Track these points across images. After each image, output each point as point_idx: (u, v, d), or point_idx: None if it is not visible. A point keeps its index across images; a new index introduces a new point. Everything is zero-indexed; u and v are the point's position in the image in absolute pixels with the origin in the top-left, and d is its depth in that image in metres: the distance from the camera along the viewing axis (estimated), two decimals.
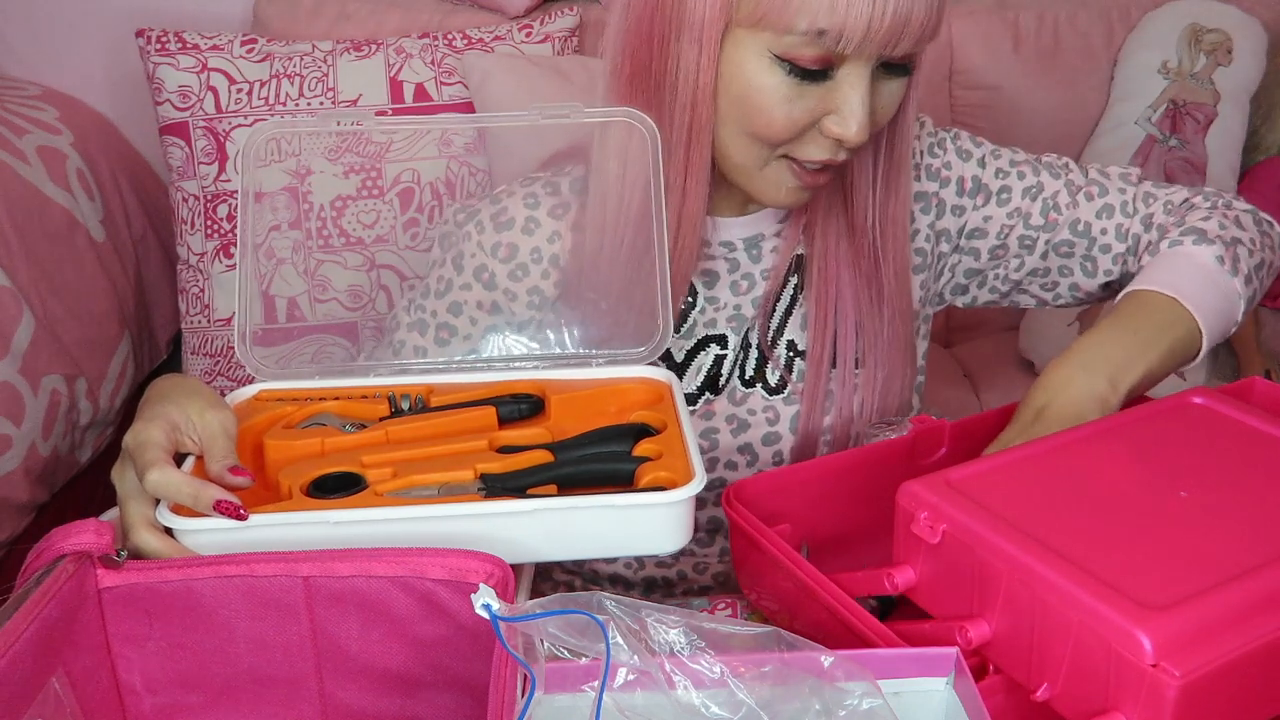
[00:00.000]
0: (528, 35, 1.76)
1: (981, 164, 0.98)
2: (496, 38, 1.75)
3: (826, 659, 0.55)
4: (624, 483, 0.70)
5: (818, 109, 0.81)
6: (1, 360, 1.49)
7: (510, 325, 0.95)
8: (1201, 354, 0.86)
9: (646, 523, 0.65)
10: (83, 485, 1.73)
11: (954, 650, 0.58)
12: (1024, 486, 0.66)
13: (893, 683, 0.57)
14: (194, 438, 0.68)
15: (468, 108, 1.71)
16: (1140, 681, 0.52)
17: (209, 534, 0.63)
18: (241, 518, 0.63)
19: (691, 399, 0.95)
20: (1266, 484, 0.66)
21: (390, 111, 1.71)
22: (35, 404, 1.54)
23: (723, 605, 0.84)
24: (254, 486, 0.68)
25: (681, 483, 0.66)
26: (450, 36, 1.74)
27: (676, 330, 0.95)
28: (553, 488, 0.69)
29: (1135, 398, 0.83)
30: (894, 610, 0.77)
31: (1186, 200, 0.96)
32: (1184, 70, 1.83)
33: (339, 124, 0.85)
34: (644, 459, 0.71)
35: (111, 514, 0.68)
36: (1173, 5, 1.86)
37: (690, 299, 0.95)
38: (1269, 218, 0.95)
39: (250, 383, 0.80)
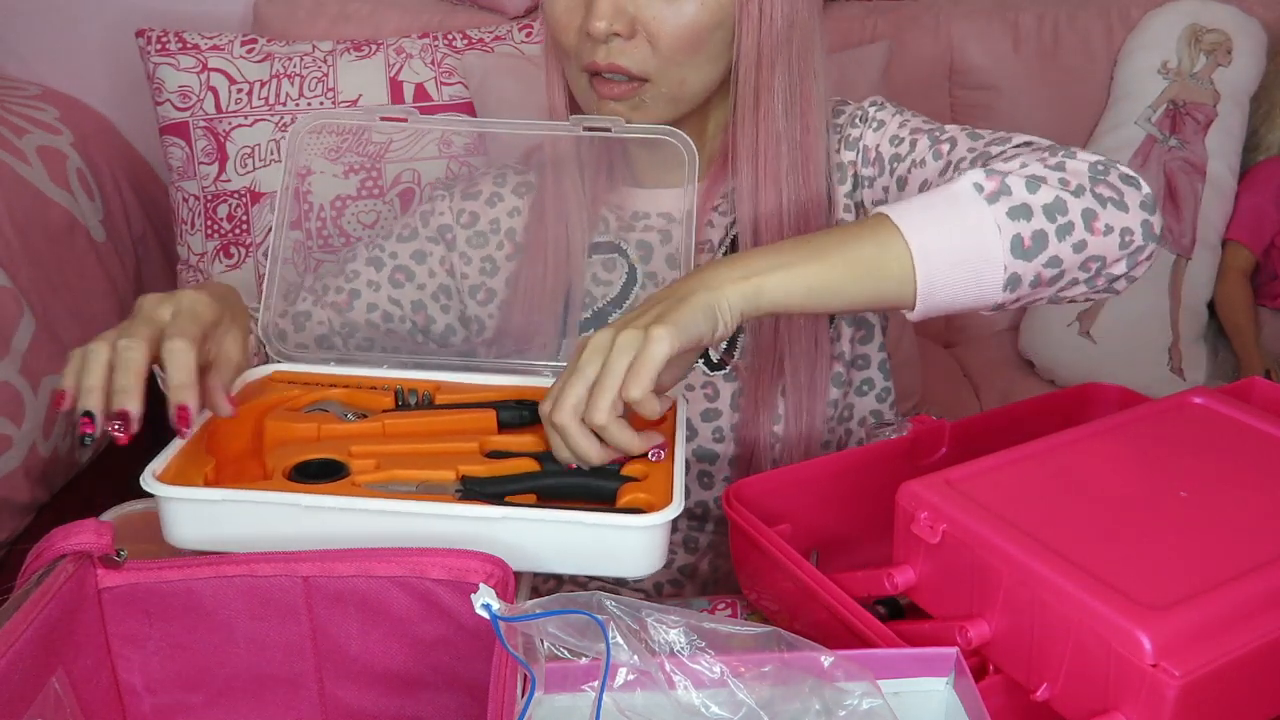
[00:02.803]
0: (528, 35, 1.76)
1: (882, 131, 0.94)
2: (496, 38, 1.75)
3: (826, 659, 0.55)
4: (606, 500, 0.70)
5: (583, 8, 0.86)
6: (1, 360, 1.49)
7: (461, 291, 1.01)
8: (919, 284, 0.72)
9: (615, 544, 0.65)
10: (83, 485, 1.73)
11: (954, 650, 0.58)
12: (1024, 486, 0.66)
13: (893, 683, 0.57)
14: (216, 349, 0.71)
15: (468, 108, 1.71)
16: (1140, 681, 0.52)
17: (186, 504, 0.64)
18: (181, 432, 0.65)
19: None
20: (1266, 484, 0.66)
21: None
22: (35, 404, 1.54)
23: (723, 605, 0.85)
24: (249, 465, 0.70)
25: (659, 506, 0.65)
26: (450, 36, 1.74)
27: (619, 304, 0.97)
28: (532, 497, 0.69)
29: (816, 312, 0.78)
30: (901, 619, 0.76)
31: (1031, 144, 0.83)
32: (1184, 70, 1.83)
33: (380, 119, 0.88)
34: (630, 478, 0.70)
35: (111, 514, 0.69)
36: (1173, 5, 1.86)
37: (629, 272, 0.97)
38: (1129, 172, 0.78)
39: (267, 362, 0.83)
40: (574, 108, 0.94)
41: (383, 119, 0.88)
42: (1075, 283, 0.76)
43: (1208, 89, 1.82)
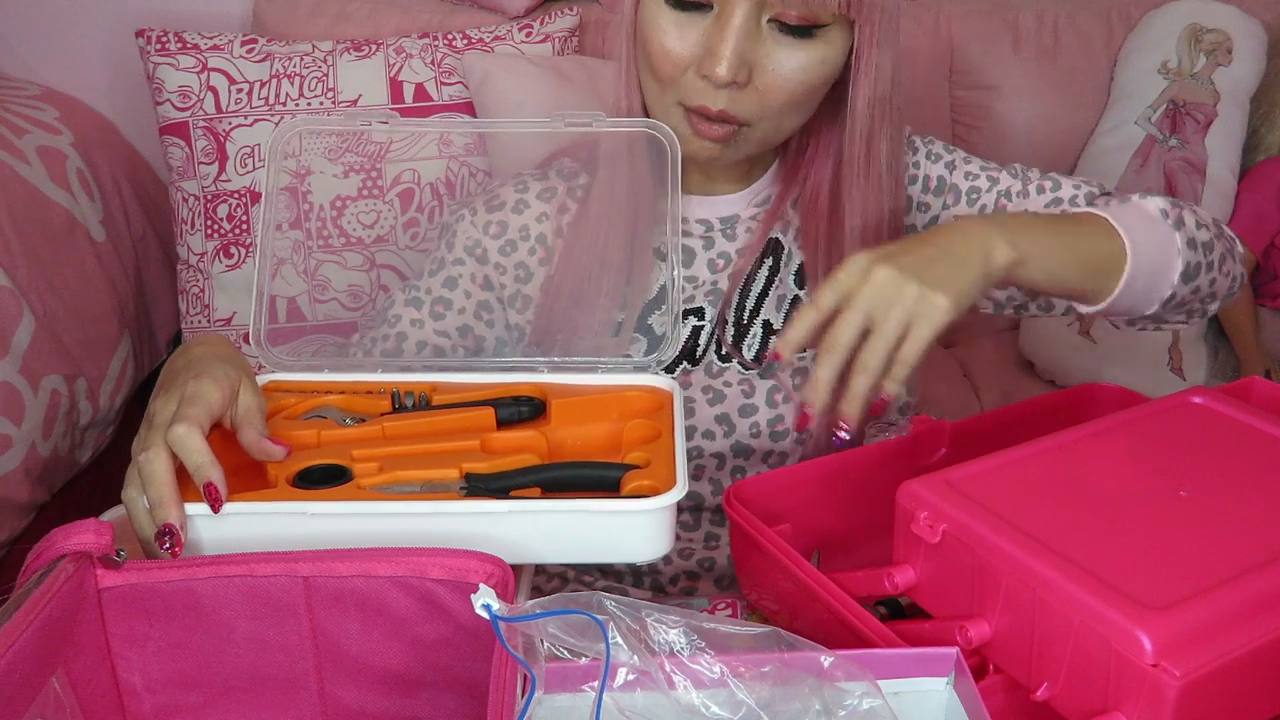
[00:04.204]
0: (528, 35, 1.76)
1: (950, 167, 1.00)
2: (496, 38, 1.75)
3: (826, 659, 0.55)
4: (610, 488, 0.70)
5: (699, 47, 0.84)
6: (1, 360, 1.49)
7: (501, 302, 1.00)
8: (1120, 285, 0.79)
9: (623, 529, 0.65)
10: (83, 485, 1.73)
11: (954, 650, 0.58)
12: (1024, 486, 0.66)
13: (893, 683, 0.57)
14: (233, 411, 0.70)
15: (468, 108, 1.71)
16: (1140, 681, 0.52)
17: (196, 519, 0.64)
18: (215, 509, 0.63)
19: (669, 369, 0.97)
20: (1266, 484, 0.66)
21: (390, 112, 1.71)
22: (35, 404, 1.54)
23: (723, 605, 0.85)
24: (251, 476, 0.69)
25: (663, 491, 0.65)
26: (450, 36, 1.74)
27: (658, 306, 0.97)
28: (537, 490, 0.69)
29: (1038, 290, 0.81)
30: (901, 619, 0.76)
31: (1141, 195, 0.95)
32: (1184, 70, 1.83)
33: (363, 124, 0.87)
34: (632, 466, 0.71)
35: (111, 514, 0.68)
36: (1173, 5, 1.86)
37: (667, 277, 0.97)
38: (1230, 231, 0.92)
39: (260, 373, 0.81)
40: (645, 114, 0.94)
41: (362, 124, 0.87)
42: (1191, 313, 0.88)
43: (1208, 89, 1.82)
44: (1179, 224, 0.84)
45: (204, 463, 0.64)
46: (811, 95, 0.88)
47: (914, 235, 0.76)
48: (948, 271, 0.72)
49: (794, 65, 0.85)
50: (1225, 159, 1.81)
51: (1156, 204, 0.85)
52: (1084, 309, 0.81)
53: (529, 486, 0.69)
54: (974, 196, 0.99)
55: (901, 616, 0.75)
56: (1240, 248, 0.92)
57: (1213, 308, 0.90)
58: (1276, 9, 1.92)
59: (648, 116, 0.93)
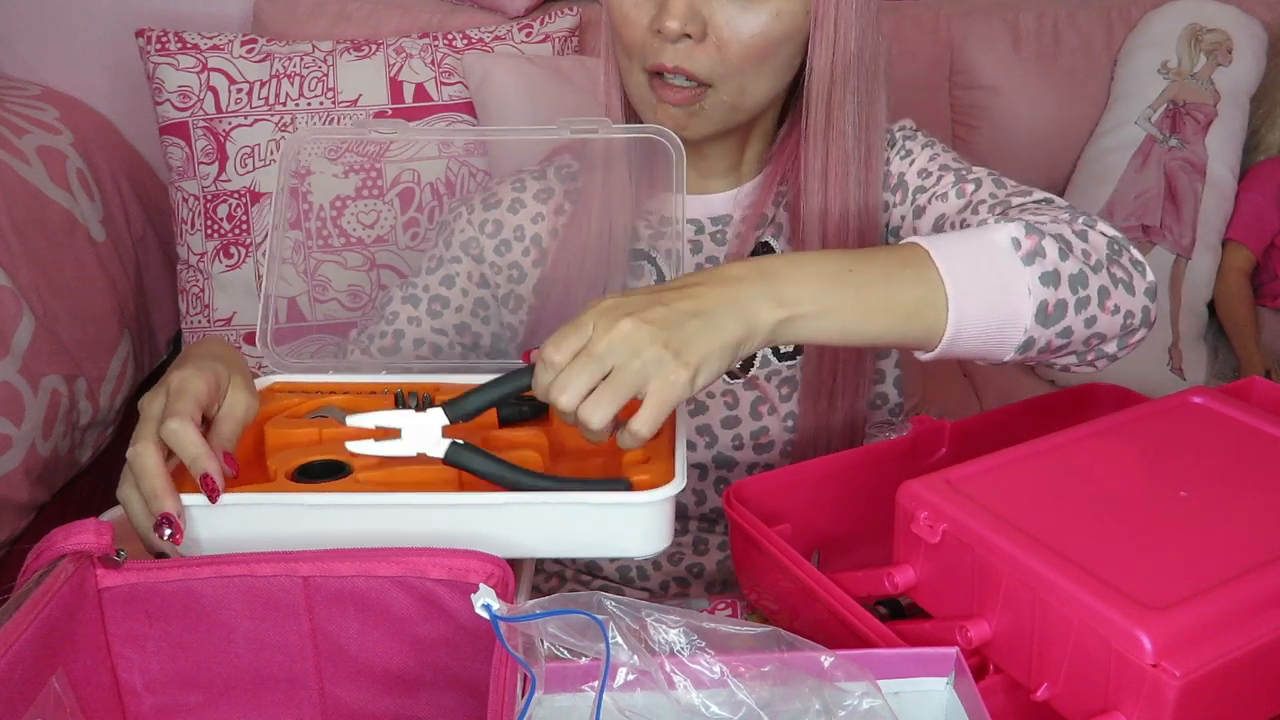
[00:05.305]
0: (528, 35, 1.76)
1: (910, 163, 0.95)
2: (496, 38, 1.75)
3: (826, 659, 0.55)
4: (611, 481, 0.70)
5: (656, 7, 0.85)
6: (1, 360, 1.49)
7: (496, 300, 1.00)
8: (947, 332, 0.70)
9: (621, 523, 0.65)
10: (83, 485, 1.73)
11: (954, 650, 0.58)
12: (1024, 486, 0.66)
13: (893, 683, 0.57)
14: (218, 406, 0.69)
15: (467, 108, 1.71)
16: (1140, 681, 0.52)
17: (192, 510, 0.64)
18: (212, 499, 0.63)
19: None
20: (1266, 484, 0.66)
21: (390, 112, 1.71)
22: (35, 404, 1.54)
23: (723, 605, 0.85)
24: (251, 472, 0.69)
25: (662, 485, 0.65)
26: (450, 36, 1.74)
27: None
28: (535, 456, 0.69)
29: (831, 345, 0.75)
30: (901, 619, 0.76)
31: (1051, 203, 0.85)
32: (1184, 70, 1.83)
33: (375, 133, 0.87)
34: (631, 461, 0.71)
35: (111, 514, 0.68)
36: (1173, 5, 1.87)
37: (657, 280, 0.97)
38: (1139, 257, 0.79)
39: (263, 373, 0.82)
40: (628, 108, 0.94)
41: (374, 133, 0.86)
42: (1072, 353, 0.77)
43: (1208, 89, 1.82)
44: (1034, 255, 0.72)
45: (199, 454, 0.63)
46: (771, 51, 0.86)
47: (675, 282, 0.68)
48: (697, 334, 0.64)
49: (748, 17, 0.84)
50: (1225, 159, 1.81)
51: (1008, 232, 0.73)
52: (921, 355, 0.73)
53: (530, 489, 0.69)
54: (916, 196, 0.93)
55: (901, 616, 0.75)
56: (1147, 278, 0.78)
57: (1112, 348, 0.78)
58: (1276, 9, 1.92)
59: (627, 99, 0.93)
